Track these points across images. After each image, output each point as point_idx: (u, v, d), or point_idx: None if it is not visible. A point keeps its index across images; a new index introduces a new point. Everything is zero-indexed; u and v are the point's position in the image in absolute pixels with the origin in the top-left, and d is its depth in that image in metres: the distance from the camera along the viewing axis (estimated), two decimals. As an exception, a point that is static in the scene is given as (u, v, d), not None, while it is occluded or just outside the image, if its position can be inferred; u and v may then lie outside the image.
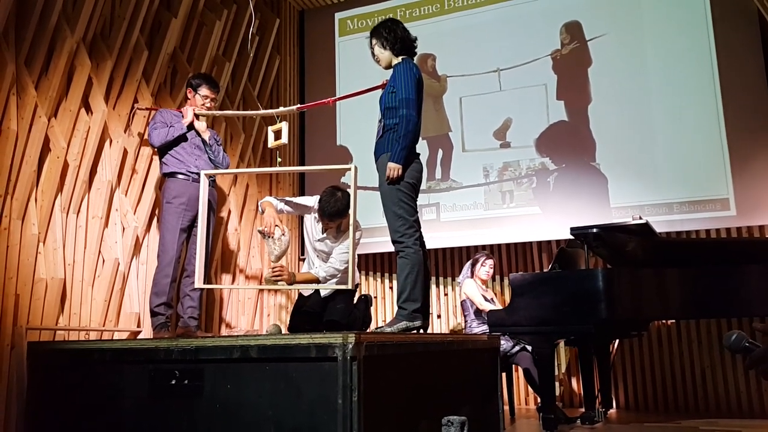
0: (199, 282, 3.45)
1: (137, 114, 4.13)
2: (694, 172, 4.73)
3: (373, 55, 3.34)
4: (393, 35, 3.23)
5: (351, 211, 3.18)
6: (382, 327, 3.07)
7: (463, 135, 5.46)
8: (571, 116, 5.16)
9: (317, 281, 3.71)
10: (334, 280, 3.72)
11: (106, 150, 3.92)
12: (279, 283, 3.57)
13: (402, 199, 3.06)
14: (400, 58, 3.25)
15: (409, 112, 3.06)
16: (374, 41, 3.30)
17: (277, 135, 3.76)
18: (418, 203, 3.18)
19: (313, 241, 3.84)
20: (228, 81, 5.14)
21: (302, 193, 5.78)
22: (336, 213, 3.60)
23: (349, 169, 3.13)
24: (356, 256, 3.10)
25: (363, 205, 4.28)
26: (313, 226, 3.85)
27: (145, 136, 4.12)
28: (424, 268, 3.11)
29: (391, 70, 3.26)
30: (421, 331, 3.10)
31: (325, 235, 3.79)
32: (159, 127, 3.90)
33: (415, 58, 3.34)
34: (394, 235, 3.06)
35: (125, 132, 4.04)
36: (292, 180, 5.82)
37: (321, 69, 6.08)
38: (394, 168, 3.03)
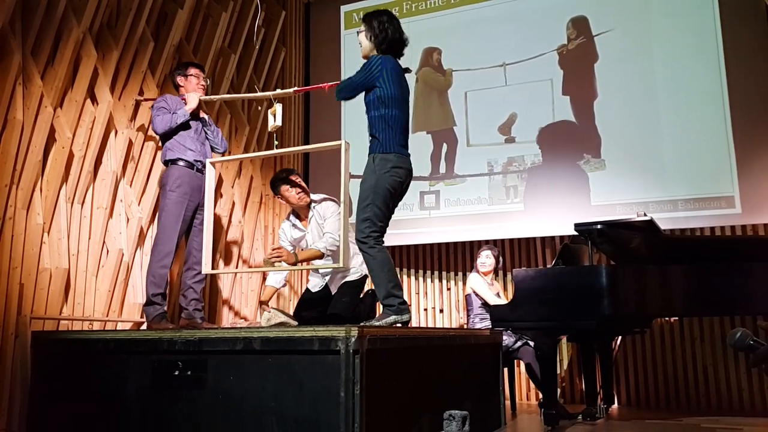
0: (206, 267, 3.45)
1: (142, 105, 4.13)
2: (700, 169, 4.71)
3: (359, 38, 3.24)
4: (384, 34, 3.11)
5: (342, 188, 3.11)
6: (371, 322, 2.96)
7: (468, 129, 5.44)
8: (576, 112, 5.14)
9: (321, 256, 3.70)
10: (332, 263, 3.74)
11: (111, 140, 3.92)
12: (280, 264, 3.60)
13: (375, 202, 2.98)
14: (378, 55, 3.12)
15: (344, 86, 3.17)
16: (365, 27, 3.18)
17: (275, 117, 3.73)
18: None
19: (299, 239, 3.97)
20: (233, 73, 5.14)
21: (307, 183, 5.75)
22: (278, 179, 3.92)
23: (340, 145, 3.11)
24: (348, 233, 3.10)
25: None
26: (290, 230, 3.99)
27: (149, 129, 4.12)
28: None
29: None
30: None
31: (306, 230, 3.91)
32: (162, 113, 3.79)
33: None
34: (359, 235, 2.99)
35: (130, 123, 4.04)
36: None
37: (326, 62, 6.06)
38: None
